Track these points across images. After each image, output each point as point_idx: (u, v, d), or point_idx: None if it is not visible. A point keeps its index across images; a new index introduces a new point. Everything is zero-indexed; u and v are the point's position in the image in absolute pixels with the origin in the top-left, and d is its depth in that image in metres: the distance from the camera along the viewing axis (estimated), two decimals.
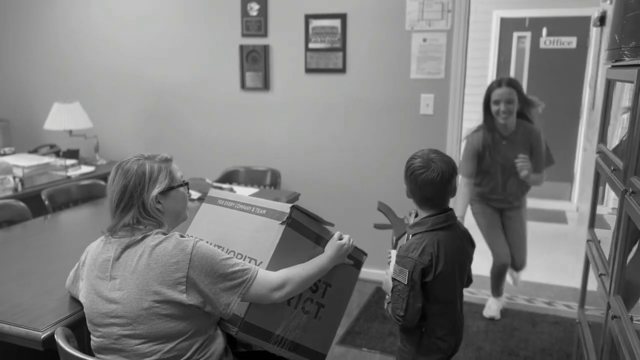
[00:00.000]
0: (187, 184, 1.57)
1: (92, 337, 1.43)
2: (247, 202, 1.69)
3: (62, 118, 3.83)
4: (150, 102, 4.08)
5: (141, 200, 1.42)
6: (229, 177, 3.61)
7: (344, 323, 3.07)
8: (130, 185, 1.41)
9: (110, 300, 1.37)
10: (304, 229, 1.59)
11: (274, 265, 1.50)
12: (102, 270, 1.41)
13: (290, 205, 1.56)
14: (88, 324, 1.44)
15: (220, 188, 3.04)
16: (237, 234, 1.62)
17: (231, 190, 3.05)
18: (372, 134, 3.53)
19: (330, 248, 1.63)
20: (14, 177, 3.09)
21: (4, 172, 3.07)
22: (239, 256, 1.56)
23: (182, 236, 1.42)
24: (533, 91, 5.63)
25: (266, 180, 3.57)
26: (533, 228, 4.88)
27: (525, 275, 3.37)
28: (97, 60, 4.17)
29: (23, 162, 3.30)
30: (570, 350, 2.75)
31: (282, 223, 1.54)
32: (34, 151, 3.99)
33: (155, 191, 1.43)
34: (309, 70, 3.58)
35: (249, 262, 1.52)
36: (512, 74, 5.80)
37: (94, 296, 1.40)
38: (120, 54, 4.08)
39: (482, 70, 5.86)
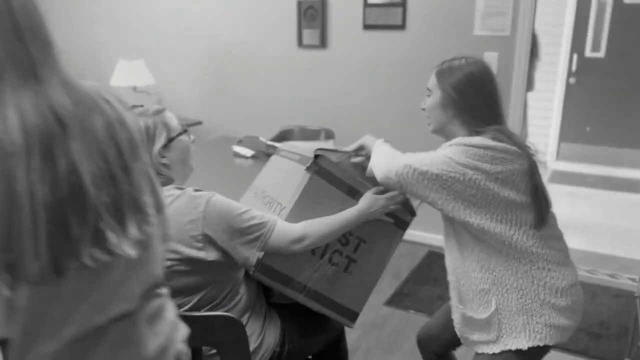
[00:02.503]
0: (186, 131, 1.49)
1: None
2: (292, 150, 1.71)
3: (127, 75, 3.97)
4: (208, 60, 4.14)
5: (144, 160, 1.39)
6: (284, 136, 3.63)
7: (392, 284, 3.07)
8: None
9: None
10: (334, 179, 1.53)
11: (297, 212, 1.47)
12: None
13: (317, 152, 1.51)
14: None
15: (274, 147, 3.07)
16: (276, 180, 1.65)
17: None
18: None
19: (363, 201, 1.54)
20: None
21: None
22: (271, 201, 1.57)
23: (196, 191, 1.39)
24: (614, 52, 5.21)
25: (320, 139, 3.56)
26: (599, 196, 4.63)
27: (587, 245, 3.22)
28: (158, 19, 4.25)
29: None
30: (630, 324, 2.62)
31: (308, 169, 1.50)
32: None
33: (157, 147, 1.39)
34: (367, 26, 3.48)
35: (277, 206, 1.51)
36: (590, 32, 5.38)
37: None
38: (179, 12, 4.14)
39: (558, 27, 5.48)
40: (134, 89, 4.08)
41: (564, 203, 4.42)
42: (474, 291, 1.43)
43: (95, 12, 4.56)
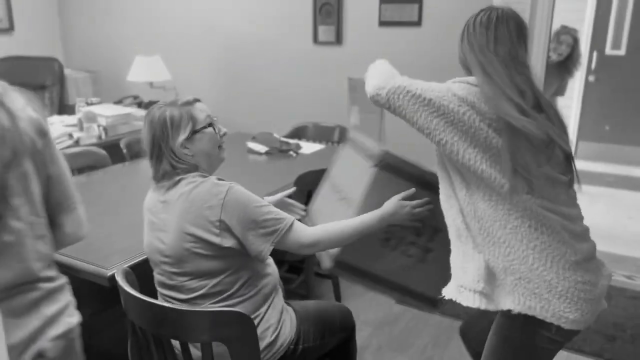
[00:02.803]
0: (211, 124, 1.50)
1: (154, 273, 1.53)
2: (360, 143, 1.71)
3: (144, 70, 4.00)
4: (224, 56, 4.16)
5: (169, 148, 1.43)
6: (298, 132, 3.63)
7: None
8: (157, 134, 1.43)
9: (160, 240, 1.45)
10: (402, 172, 1.53)
11: (366, 208, 1.48)
12: (154, 213, 1.49)
13: (380, 149, 1.52)
14: (150, 262, 1.54)
15: (287, 143, 3.08)
16: (347, 175, 1.68)
17: (297, 145, 3.07)
18: None
19: (388, 205, 1.48)
20: (99, 126, 3.30)
21: (90, 120, 3.28)
22: (344, 196, 1.60)
23: (219, 179, 1.44)
24: (635, 50, 5.11)
25: (334, 136, 3.56)
26: (617, 196, 4.56)
27: (604, 245, 3.16)
28: (174, 15, 4.28)
29: (107, 111, 3.50)
30: None
31: (374, 166, 1.51)
32: (119, 102, 4.22)
33: (181, 138, 1.43)
34: (383, 23, 3.46)
35: (347, 201, 1.55)
36: (610, 29, 5.28)
37: (150, 237, 1.50)
38: (195, 8, 4.16)
39: (578, 24, 5.39)
40: (151, 84, 4.12)
41: (582, 202, 4.34)
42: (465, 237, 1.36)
43: (112, 9, 4.60)
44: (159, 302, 1.20)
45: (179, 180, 1.44)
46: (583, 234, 1.38)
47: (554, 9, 3.03)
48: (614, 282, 3.07)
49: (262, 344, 1.43)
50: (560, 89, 3.82)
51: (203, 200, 1.38)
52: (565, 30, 3.65)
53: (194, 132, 1.45)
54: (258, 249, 1.40)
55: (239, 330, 1.21)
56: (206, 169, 1.50)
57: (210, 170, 1.52)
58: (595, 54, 5.33)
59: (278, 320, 1.52)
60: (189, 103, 1.47)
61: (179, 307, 1.19)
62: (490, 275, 1.32)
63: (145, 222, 1.54)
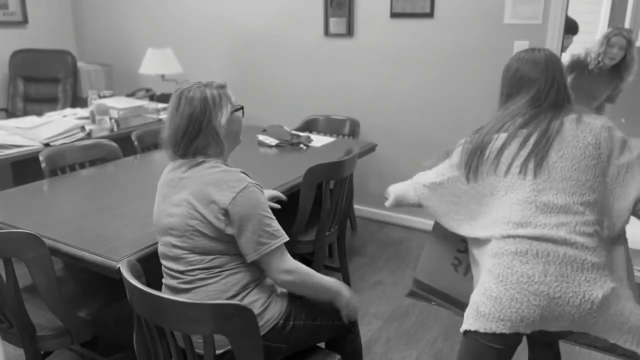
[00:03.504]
0: (242, 107, 1.63)
1: (158, 244, 1.58)
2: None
3: (155, 63, 4.02)
4: (235, 48, 4.15)
5: (210, 126, 1.48)
6: (309, 125, 3.63)
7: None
8: (197, 112, 1.47)
9: (169, 214, 1.50)
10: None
11: (431, 242, 1.80)
12: (170, 186, 1.53)
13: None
14: (156, 234, 1.59)
15: (298, 136, 3.07)
16: None
17: (308, 138, 3.06)
18: (459, 84, 3.36)
19: (343, 287, 1.65)
20: (111, 119, 3.32)
21: (102, 113, 3.30)
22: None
23: (243, 173, 1.51)
24: None
25: (345, 129, 3.54)
26: None
27: None
28: (185, 8, 4.28)
29: (119, 104, 3.51)
30: None
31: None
32: (132, 94, 4.24)
33: (223, 117, 1.50)
34: (394, 14, 3.43)
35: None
36: (627, 20, 5.19)
37: (159, 209, 1.55)
38: (206, 1, 4.16)
39: (594, 15, 5.30)
40: (162, 77, 4.13)
41: None
42: None
43: (125, 2, 4.62)
44: (162, 294, 1.20)
45: (202, 162, 1.50)
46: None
47: (568, 1, 2.98)
48: None
49: None
50: (611, 97, 3.55)
51: (218, 187, 1.44)
52: (618, 31, 3.31)
53: (231, 112, 1.54)
54: (246, 252, 1.47)
55: (241, 323, 1.21)
56: (227, 150, 1.57)
57: (229, 152, 1.60)
58: None
59: (268, 296, 1.56)
60: (223, 86, 1.56)
61: (182, 300, 1.19)
62: None
63: (158, 194, 1.58)
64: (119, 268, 1.52)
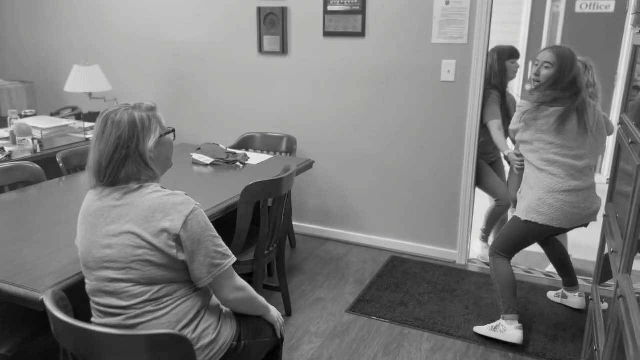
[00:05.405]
0: (173, 130, 1.58)
1: (86, 281, 1.47)
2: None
3: (82, 81, 3.85)
4: (167, 66, 4.06)
5: (137, 151, 1.41)
6: (245, 143, 3.59)
7: (354, 291, 3.07)
8: (125, 136, 1.40)
9: (104, 246, 1.40)
10: None
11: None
12: (99, 216, 1.43)
13: None
14: (83, 269, 1.48)
15: (234, 154, 3.03)
16: None
17: (245, 156, 3.03)
18: (391, 100, 3.44)
19: (272, 310, 1.74)
20: (33, 139, 3.14)
21: (23, 133, 3.11)
22: None
23: (186, 195, 1.47)
24: None
25: (282, 146, 3.54)
26: None
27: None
28: (115, 23, 4.16)
29: (42, 124, 3.34)
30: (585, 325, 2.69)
31: None
32: (57, 113, 4.04)
33: (152, 141, 1.44)
34: (327, 33, 3.48)
35: None
36: (544, 41, 5.55)
37: (89, 241, 1.44)
38: (137, 16, 4.05)
39: (514, 35, 5.63)
40: (90, 95, 3.97)
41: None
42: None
43: (48, 17, 4.42)
44: (92, 327, 1.13)
45: (139, 187, 1.43)
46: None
47: (491, 21, 3.15)
48: (554, 283, 3.19)
49: (205, 342, 1.46)
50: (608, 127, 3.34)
51: (166, 212, 1.38)
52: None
53: (161, 135, 1.48)
54: (199, 276, 1.44)
55: (177, 352, 1.16)
56: (158, 174, 1.51)
57: (160, 175, 1.54)
58: (531, 65, 5.57)
59: (218, 319, 1.54)
60: (153, 109, 1.50)
61: (114, 332, 1.13)
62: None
63: (84, 227, 1.47)
64: (42, 299, 1.43)
